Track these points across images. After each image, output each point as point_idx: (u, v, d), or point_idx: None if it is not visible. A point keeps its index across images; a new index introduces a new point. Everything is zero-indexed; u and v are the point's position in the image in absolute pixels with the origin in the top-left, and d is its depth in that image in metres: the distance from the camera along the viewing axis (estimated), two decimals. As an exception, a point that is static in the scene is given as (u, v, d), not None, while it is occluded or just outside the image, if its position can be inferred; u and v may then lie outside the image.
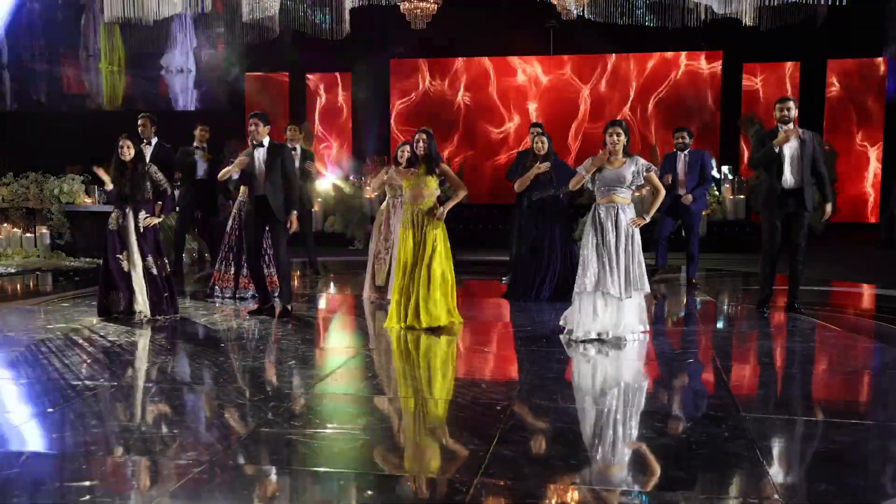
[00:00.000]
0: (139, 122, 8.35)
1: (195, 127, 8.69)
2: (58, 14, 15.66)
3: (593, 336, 5.51)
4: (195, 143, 8.62)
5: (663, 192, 5.92)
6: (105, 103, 15.86)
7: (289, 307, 6.55)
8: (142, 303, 6.33)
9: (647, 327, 5.78)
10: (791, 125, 6.44)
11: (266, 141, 6.37)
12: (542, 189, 7.18)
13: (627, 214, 5.57)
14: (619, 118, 5.80)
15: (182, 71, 15.83)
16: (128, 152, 6.30)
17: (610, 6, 11.03)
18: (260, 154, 6.35)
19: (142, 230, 6.31)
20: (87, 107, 15.99)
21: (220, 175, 6.81)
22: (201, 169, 8.61)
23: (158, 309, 6.36)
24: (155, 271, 6.36)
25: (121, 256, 6.33)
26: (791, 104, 6.47)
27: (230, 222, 7.51)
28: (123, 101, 15.86)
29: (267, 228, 6.61)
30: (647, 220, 5.72)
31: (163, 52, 15.60)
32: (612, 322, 5.54)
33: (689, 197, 8.05)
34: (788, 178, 6.41)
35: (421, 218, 6.02)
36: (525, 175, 7.10)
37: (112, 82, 15.81)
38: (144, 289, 6.32)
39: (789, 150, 6.40)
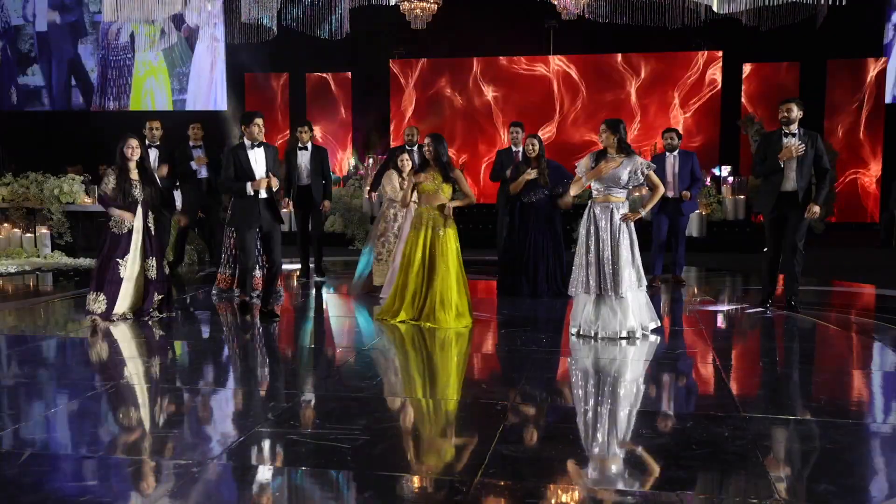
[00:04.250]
0: (148, 125, 8.30)
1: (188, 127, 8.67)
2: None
3: (591, 334, 5.54)
4: (190, 143, 8.56)
5: (662, 189, 5.89)
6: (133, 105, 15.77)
7: (276, 310, 6.40)
8: (123, 306, 6.19)
9: (658, 323, 5.78)
10: (794, 126, 6.40)
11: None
12: (532, 192, 7.23)
13: (622, 213, 5.58)
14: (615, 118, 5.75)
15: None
16: (136, 153, 6.18)
17: (610, 6, 11.01)
18: (257, 154, 6.22)
19: (152, 231, 6.24)
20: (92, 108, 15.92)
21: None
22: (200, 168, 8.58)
23: (147, 311, 6.23)
24: (153, 274, 6.26)
25: (121, 261, 6.16)
26: (793, 105, 6.42)
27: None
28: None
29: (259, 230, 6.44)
30: (643, 214, 5.75)
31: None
32: (611, 321, 5.53)
33: (688, 193, 8.08)
34: (787, 181, 6.40)
35: (435, 220, 6.02)
36: (517, 181, 7.20)
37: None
38: (130, 293, 6.22)
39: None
